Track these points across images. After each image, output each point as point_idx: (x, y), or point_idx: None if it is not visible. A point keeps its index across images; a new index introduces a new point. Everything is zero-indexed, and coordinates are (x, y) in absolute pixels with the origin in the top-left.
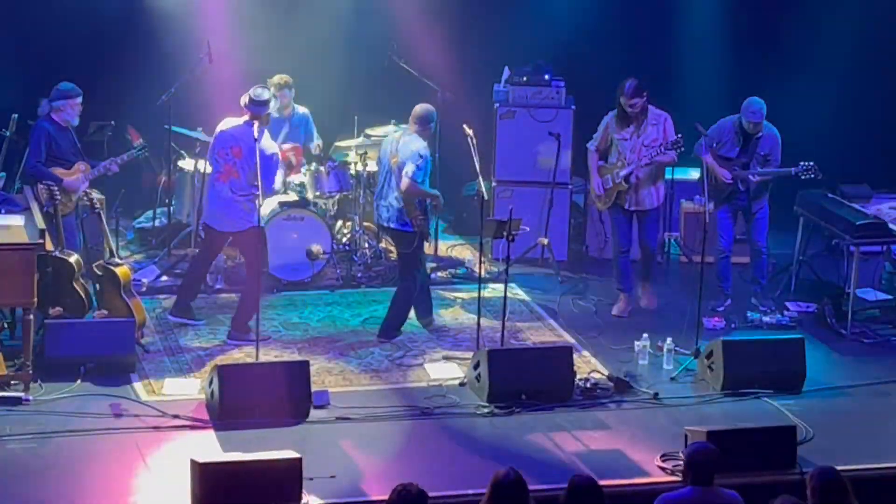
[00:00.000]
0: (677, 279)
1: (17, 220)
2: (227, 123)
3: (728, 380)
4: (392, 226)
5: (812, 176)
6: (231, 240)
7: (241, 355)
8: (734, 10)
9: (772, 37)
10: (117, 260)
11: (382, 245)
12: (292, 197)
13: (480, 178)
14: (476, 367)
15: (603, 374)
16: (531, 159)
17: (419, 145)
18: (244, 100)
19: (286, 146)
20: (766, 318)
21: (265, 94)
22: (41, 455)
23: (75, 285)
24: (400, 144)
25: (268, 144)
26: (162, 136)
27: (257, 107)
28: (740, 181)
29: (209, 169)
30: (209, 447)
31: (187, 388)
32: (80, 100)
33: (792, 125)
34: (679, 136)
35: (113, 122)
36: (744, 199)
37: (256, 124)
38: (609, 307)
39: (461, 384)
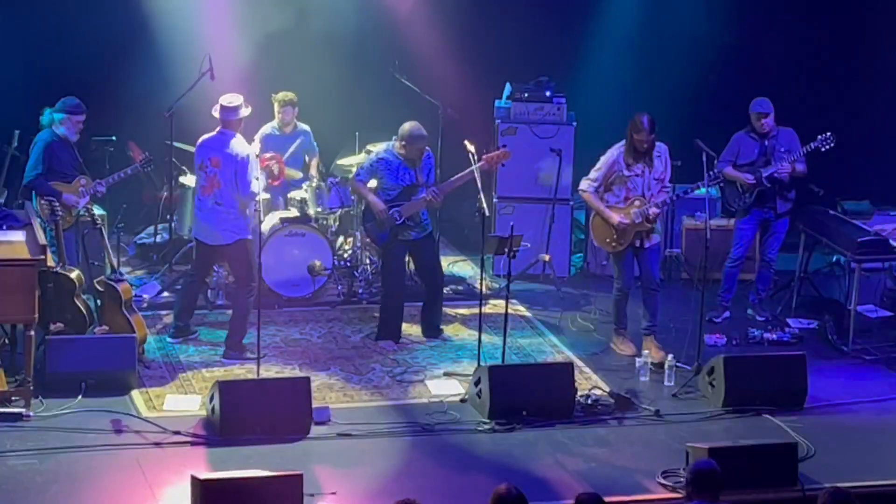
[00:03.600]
0: (678, 295)
1: (18, 236)
2: (204, 136)
3: (729, 396)
4: None
5: (832, 144)
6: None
7: (242, 371)
8: (736, 25)
9: (772, 51)
10: (118, 276)
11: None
12: (293, 213)
13: (482, 195)
14: (477, 383)
15: (604, 391)
16: (532, 175)
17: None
18: (216, 109)
19: (266, 155)
20: (767, 335)
21: (235, 101)
22: (41, 471)
23: (76, 301)
24: None
25: (239, 147)
26: (163, 152)
27: (227, 113)
28: (766, 179)
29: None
30: (210, 463)
31: (188, 405)
32: (82, 118)
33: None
34: (718, 170)
35: (114, 138)
36: (770, 203)
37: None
38: (610, 324)
39: (462, 400)
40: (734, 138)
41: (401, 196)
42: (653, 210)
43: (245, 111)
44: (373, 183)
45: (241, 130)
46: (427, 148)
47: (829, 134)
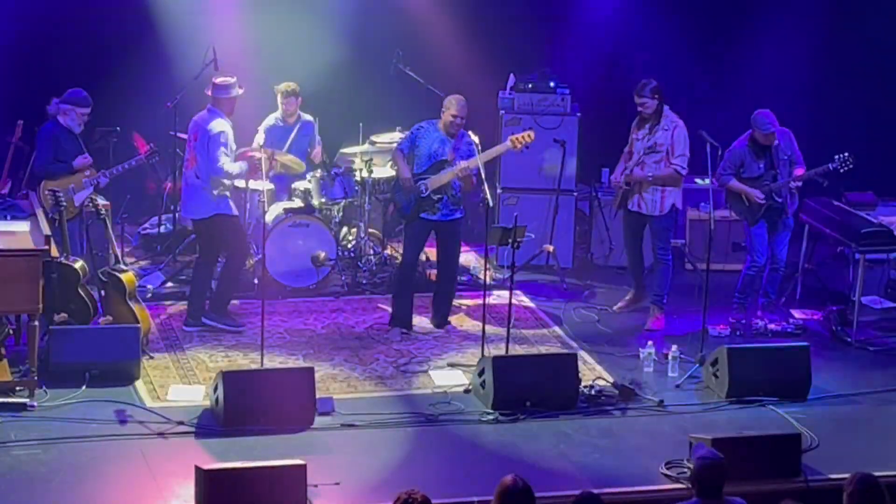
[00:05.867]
0: (683, 286)
1: (22, 226)
2: (197, 114)
3: (733, 387)
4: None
5: (850, 166)
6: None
7: (247, 362)
8: (740, 17)
9: (777, 44)
10: (122, 266)
11: (388, 252)
12: (297, 203)
13: (486, 185)
14: (481, 374)
15: (608, 382)
16: (536, 166)
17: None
18: (208, 88)
19: (256, 150)
20: (771, 326)
21: (228, 80)
22: (46, 461)
23: (80, 291)
24: None
25: (215, 124)
26: (167, 143)
27: (217, 90)
28: (775, 195)
29: None
30: (214, 454)
31: (192, 395)
32: (87, 110)
33: (797, 133)
34: (721, 184)
35: (118, 129)
36: (780, 211)
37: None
38: (613, 314)
39: (466, 391)
40: (734, 152)
41: (431, 171)
42: (636, 172)
43: (236, 91)
44: None
45: (230, 112)
46: (469, 133)
47: (846, 154)
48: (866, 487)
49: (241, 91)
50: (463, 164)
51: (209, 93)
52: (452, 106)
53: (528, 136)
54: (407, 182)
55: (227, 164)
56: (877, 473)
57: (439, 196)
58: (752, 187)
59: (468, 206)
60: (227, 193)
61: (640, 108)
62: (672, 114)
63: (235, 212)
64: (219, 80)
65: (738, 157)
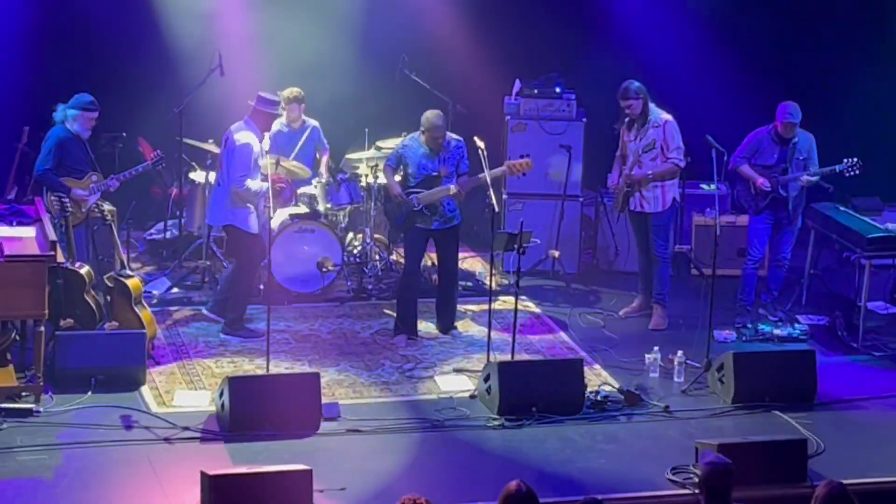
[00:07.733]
0: (688, 292)
1: (28, 232)
2: None
3: (739, 393)
4: None
5: (857, 172)
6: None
7: (252, 367)
8: (749, 23)
9: (784, 47)
10: (128, 272)
11: (393, 257)
12: (303, 209)
13: (491, 191)
14: (486, 379)
15: (614, 387)
16: (542, 171)
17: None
18: (253, 99)
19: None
20: (776, 331)
21: (275, 97)
22: (51, 467)
23: (86, 297)
24: None
25: (241, 135)
26: (173, 148)
27: (257, 101)
28: (781, 188)
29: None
30: (220, 459)
31: (198, 400)
32: (95, 115)
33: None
34: (733, 167)
35: (124, 134)
36: (783, 208)
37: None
38: (619, 319)
39: (472, 397)
40: (755, 136)
41: (422, 184)
42: (635, 172)
43: (276, 110)
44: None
45: (265, 127)
46: (459, 138)
47: (855, 160)
48: (834, 495)
49: (282, 112)
50: (454, 188)
51: (251, 103)
52: (431, 127)
53: (527, 164)
54: (398, 199)
55: (247, 180)
56: (882, 479)
57: (431, 211)
58: (761, 175)
59: (474, 211)
60: (249, 208)
61: (626, 111)
62: (658, 109)
63: (253, 230)
64: (264, 94)
65: (757, 141)
